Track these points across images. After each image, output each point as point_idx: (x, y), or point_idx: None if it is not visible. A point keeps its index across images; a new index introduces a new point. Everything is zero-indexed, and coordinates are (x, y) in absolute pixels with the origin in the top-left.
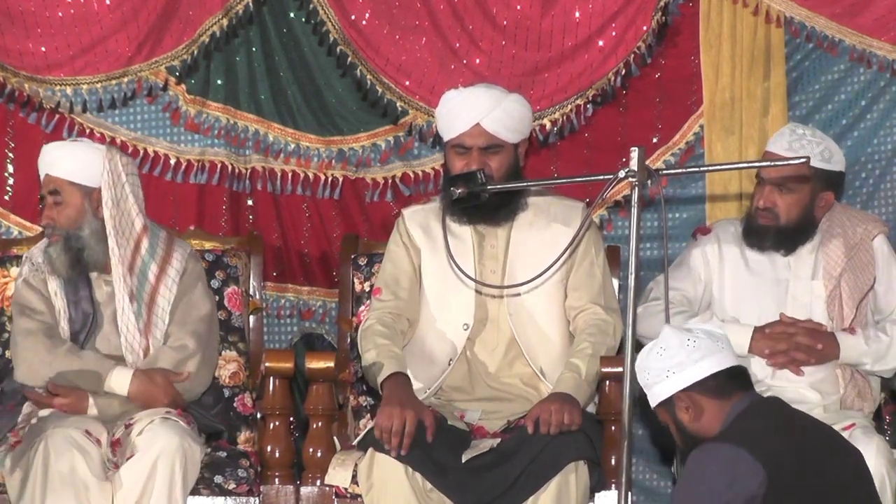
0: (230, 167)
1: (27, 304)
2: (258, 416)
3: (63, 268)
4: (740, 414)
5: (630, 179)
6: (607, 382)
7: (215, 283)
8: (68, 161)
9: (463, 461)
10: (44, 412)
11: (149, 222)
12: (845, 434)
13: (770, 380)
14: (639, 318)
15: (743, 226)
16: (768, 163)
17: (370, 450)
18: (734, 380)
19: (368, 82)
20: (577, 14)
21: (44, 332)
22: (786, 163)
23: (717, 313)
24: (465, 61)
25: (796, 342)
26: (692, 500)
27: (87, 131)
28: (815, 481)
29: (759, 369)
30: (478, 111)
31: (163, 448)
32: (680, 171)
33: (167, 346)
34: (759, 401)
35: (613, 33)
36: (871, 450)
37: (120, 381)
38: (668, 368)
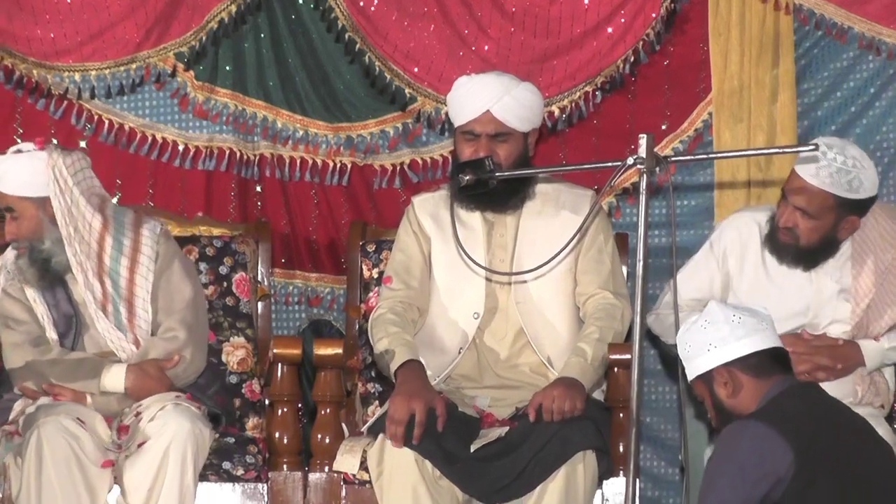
0: (238, 154)
1: (10, 316)
2: (266, 402)
3: (34, 279)
4: (777, 396)
5: (639, 166)
6: (616, 369)
7: (223, 270)
8: (13, 176)
9: (472, 451)
10: (41, 401)
11: (112, 211)
12: None
13: None
14: (652, 326)
15: (767, 229)
16: (777, 150)
17: (381, 436)
18: (775, 361)
19: (377, 69)
20: (586, 1)
21: (31, 343)
22: (797, 149)
23: None
24: (473, 48)
25: (816, 362)
26: (722, 474)
27: (96, 118)
28: (844, 469)
29: None
30: (488, 98)
31: (174, 434)
32: (688, 158)
33: (158, 338)
34: (796, 384)
35: (622, 20)
36: None
37: (115, 380)
38: (710, 342)
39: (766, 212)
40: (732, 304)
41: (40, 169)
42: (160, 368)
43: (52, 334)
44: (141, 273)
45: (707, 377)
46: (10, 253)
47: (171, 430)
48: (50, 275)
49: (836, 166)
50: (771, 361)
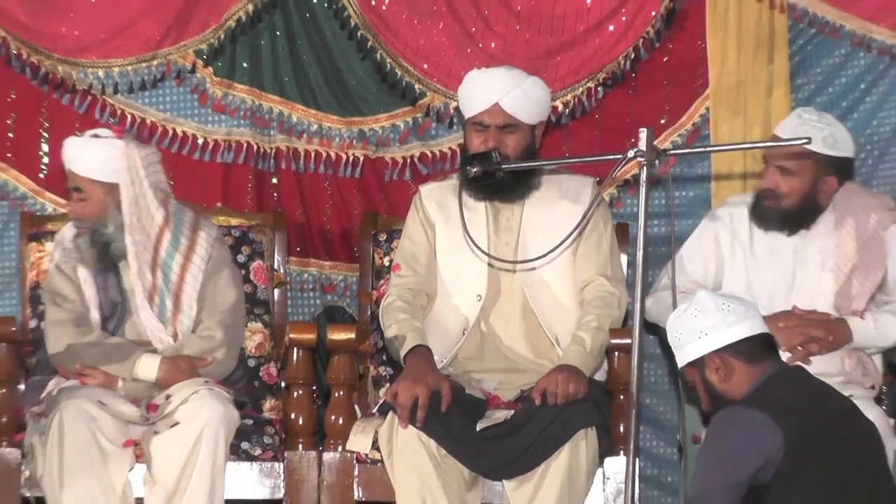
0: (255, 147)
1: (58, 292)
2: (282, 385)
3: (91, 260)
4: (767, 379)
5: (639, 159)
6: (616, 354)
7: (241, 258)
8: (88, 159)
9: (478, 430)
10: (65, 384)
11: (174, 208)
12: None
13: None
14: (650, 308)
15: (752, 202)
16: (771, 143)
17: (390, 414)
18: (764, 346)
19: (388, 65)
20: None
21: (73, 322)
22: (787, 143)
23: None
24: (480, 45)
25: (809, 334)
26: (713, 460)
27: (119, 112)
28: (831, 449)
29: None
30: (497, 91)
31: (208, 418)
32: (687, 151)
33: (195, 336)
34: (785, 369)
35: (623, 18)
36: (870, 419)
37: (147, 369)
38: (701, 330)
39: (753, 192)
40: (720, 292)
41: (115, 156)
42: (192, 365)
43: (95, 315)
44: (192, 272)
45: (699, 363)
46: (67, 231)
47: (206, 413)
48: (107, 259)
49: (812, 124)
50: (761, 346)
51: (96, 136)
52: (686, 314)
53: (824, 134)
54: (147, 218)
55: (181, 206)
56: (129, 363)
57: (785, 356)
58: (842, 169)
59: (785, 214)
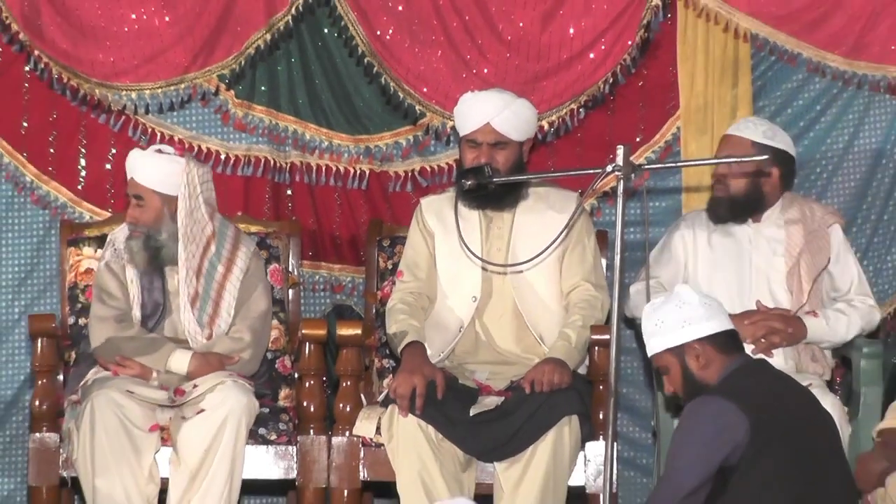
0: (272, 161)
1: (105, 289)
2: (296, 376)
3: (141, 262)
4: (735, 371)
5: (616, 173)
6: (597, 349)
7: None
8: (151, 171)
9: (471, 416)
10: (98, 374)
11: (218, 222)
12: None
13: None
14: (633, 296)
15: (707, 204)
16: (734, 159)
17: (391, 406)
18: (734, 340)
19: (391, 89)
20: (572, 30)
21: (115, 319)
22: (748, 160)
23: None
24: (474, 71)
25: (770, 326)
26: (686, 443)
27: (150, 130)
28: (792, 434)
29: None
30: (489, 112)
31: (232, 407)
32: (659, 166)
33: (226, 336)
34: (751, 361)
35: (603, 47)
36: (827, 406)
37: (180, 362)
38: (685, 320)
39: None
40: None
41: (176, 171)
42: (220, 362)
43: (137, 313)
44: (231, 281)
45: (679, 350)
46: (120, 232)
47: (230, 402)
48: (156, 262)
49: (752, 122)
50: (731, 340)
51: (160, 151)
52: (668, 305)
53: (763, 129)
54: (198, 230)
55: (224, 220)
56: (163, 356)
57: (749, 349)
58: (783, 163)
59: (733, 201)
